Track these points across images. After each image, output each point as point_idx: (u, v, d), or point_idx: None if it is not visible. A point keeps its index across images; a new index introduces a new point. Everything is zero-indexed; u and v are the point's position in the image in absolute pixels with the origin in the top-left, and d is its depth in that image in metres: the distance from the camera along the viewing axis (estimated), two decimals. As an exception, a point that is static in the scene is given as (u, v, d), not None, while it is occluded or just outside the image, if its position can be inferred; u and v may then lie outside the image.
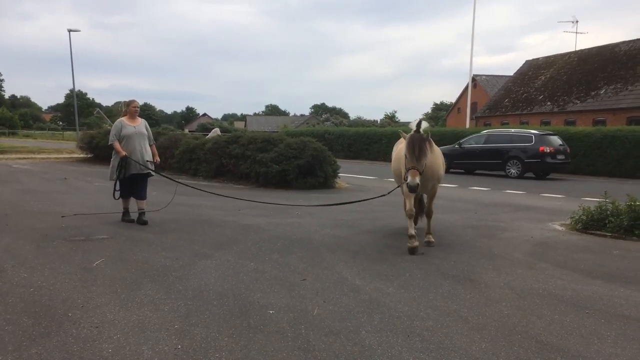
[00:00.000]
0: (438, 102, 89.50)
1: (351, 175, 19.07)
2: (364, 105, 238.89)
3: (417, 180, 6.46)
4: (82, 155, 25.50)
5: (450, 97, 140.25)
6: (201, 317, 4.50)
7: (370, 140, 33.98)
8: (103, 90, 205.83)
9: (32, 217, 9.22)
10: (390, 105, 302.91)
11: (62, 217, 9.14)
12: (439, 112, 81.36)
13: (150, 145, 9.01)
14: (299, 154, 15.17)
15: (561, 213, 10.82)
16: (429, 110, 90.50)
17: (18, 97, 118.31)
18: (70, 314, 4.48)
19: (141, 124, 8.97)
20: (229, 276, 5.77)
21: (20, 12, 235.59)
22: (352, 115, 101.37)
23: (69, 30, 37.52)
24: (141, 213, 8.78)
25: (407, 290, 5.39)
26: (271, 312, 4.66)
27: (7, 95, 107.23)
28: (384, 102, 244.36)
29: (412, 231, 7.05)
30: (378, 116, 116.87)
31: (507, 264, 6.53)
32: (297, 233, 8.27)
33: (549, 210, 11.65)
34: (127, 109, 8.99)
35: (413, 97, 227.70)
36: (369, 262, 6.52)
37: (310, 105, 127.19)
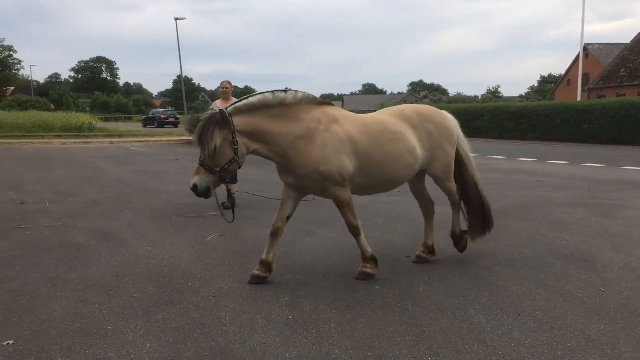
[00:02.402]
0: (545, 75, 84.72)
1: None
2: (464, 81, 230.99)
3: (196, 180, 4.45)
4: (190, 138, 26.89)
5: (559, 69, 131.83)
6: (309, 290, 4.65)
7: (472, 117, 32.95)
8: (207, 75, 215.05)
9: (149, 195, 9.92)
10: (493, 80, 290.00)
11: (247, 193, 9.56)
12: (547, 85, 77.02)
13: None
14: (399, 132, 15.01)
15: (688, 190, 9.94)
16: (536, 84, 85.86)
17: (131, 84, 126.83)
18: (190, 284, 4.81)
19: (229, 104, 8.92)
20: (333, 252, 5.90)
21: (127, 4, 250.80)
22: (452, 92, 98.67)
23: (176, 19, 39.21)
24: (230, 194, 8.98)
25: (516, 269, 5.23)
26: (376, 287, 4.72)
27: (121, 83, 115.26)
28: (486, 77, 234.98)
29: (265, 256, 4.89)
30: (479, 92, 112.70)
31: (627, 244, 6.12)
32: (398, 211, 8.25)
33: (674, 187, 10.72)
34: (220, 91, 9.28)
35: (518, 70, 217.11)
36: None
37: (408, 83, 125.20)
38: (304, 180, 4.73)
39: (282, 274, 5.09)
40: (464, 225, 5.72)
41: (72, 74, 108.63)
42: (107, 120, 61.27)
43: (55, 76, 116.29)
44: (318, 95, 5.16)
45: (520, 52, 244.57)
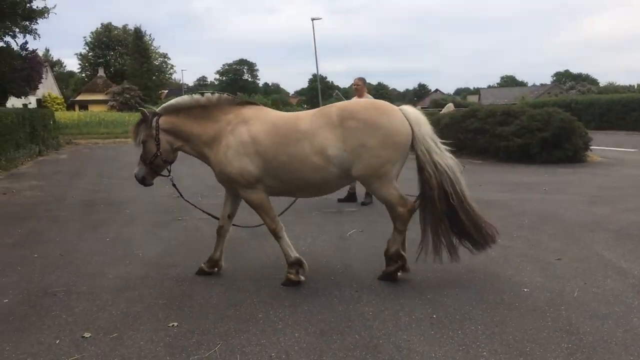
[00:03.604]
0: None
1: (605, 147, 17.12)
2: (617, 70, 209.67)
3: (135, 170, 5.12)
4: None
5: None
6: (452, 289, 4.54)
7: (628, 109, 29.92)
8: (340, 72, 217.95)
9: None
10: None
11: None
12: None
13: None
14: (544, 126, 14.18)
15: None
16: None
17: (270, 84, 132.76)
18: (332, 278, 4.93)
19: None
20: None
21: (268, 7, 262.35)
22: (602, 82, 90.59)
23: (312, 19, 40.44)
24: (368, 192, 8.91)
25: (689, 277, 4.68)
26: (525, 290, 4.49)
27: (261, 84, 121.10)
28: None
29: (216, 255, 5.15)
30: (635, 81, 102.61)
31: None
32: (546, 209, 7.77)
33: None
34: None
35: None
36: (635, 243, 5.82)
37: (552, 74, 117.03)
38: (219, 180, 4.93)
39: (423, 272, 5.02)
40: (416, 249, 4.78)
41: (217, 76, 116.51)
42: (248, 119, 64.89)
43: (203, 79, 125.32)
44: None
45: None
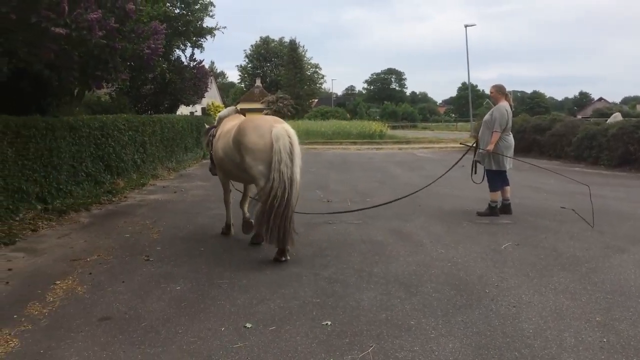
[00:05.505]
0: None
1: None
2: None
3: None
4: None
5: None
6: (625, 313, 4.13)
7: None
8: (490, 80, 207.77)
9: (438, 199, 10.14)
10: None
11: (562, 207, 9.39)
12: None
13: (492, 132, 8.26)
14: None
15: None
16: None
17: (417, 93, 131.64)
18: (487, 291, 4.73)
19: (490, 110, 8.59)
20: (653, 274, 5.12)
21: (418, 15, 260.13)
22: None
23: (466, 26, 39.00)
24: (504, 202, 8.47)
25: None
26: None
27: (408, 92, 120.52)
28: None
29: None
30: None
31: None
32: None
33: None
34: None
35: None
36: None
37: None
38: None
39: (590, 292, 4.63)
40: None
41: (365, 85, 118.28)
42: (394, 127, 64.83)
43: (351, 88, 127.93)
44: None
45: None
